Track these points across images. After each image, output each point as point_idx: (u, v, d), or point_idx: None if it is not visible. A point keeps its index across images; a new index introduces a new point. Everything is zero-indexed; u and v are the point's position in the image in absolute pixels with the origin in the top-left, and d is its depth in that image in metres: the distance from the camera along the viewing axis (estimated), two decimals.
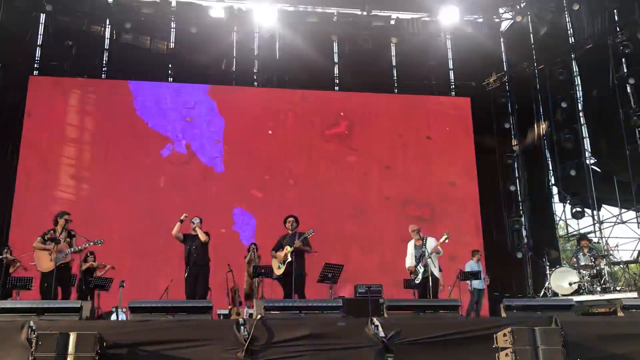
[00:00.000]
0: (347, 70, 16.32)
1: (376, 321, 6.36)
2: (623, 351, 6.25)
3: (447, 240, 8.92)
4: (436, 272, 8.84)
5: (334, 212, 14.67)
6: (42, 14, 14.98)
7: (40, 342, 5.41)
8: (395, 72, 16.68)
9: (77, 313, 6.26)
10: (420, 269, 8.88)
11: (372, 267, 13.95)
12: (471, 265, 11.62)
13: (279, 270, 8.82)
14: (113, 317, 9.80)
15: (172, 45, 15.73)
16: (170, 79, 15.64)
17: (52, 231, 8.40)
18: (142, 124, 14.69)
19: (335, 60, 16.48)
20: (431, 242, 9.00)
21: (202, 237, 9.02)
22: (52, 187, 13.94)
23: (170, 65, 15.67)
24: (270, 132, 15.14)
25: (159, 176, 14.44)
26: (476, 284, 11.24)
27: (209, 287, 9.00)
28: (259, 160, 14.90)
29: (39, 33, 15.07)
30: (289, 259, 8.64)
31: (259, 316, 6.34)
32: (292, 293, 8.35)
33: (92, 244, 8.71)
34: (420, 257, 8.95)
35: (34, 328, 5.69)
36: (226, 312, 10.48)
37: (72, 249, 8.45)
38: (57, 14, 14.76)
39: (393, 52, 16.67)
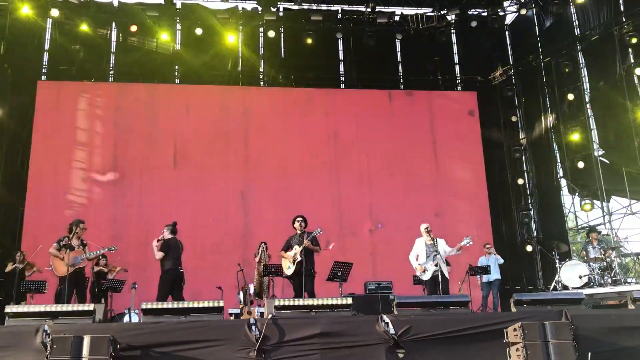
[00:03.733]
0: (352, 68, 16.33)
1: (386, 318, 6.42)
2: (634, 344, 6.27)
3: (468, 244, 8.99)
4: (446, 272, 8.93)
5: (344, 210, 14.72)
6: (48, 19, 15.09)
7: (55, 346, 5.50)
8: (400, 68, 16.69)
9: (90, 316, 6.35)
10: (431, 267, 8.94)
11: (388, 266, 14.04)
12: (481, 261, 11.71)
13: (288, 270, 8.88)
14: (126, 318, 9.89)
15: (177, 46, 15.79)
16: (177, 80, 15.72)
17: (66, 238, 8.63)
18: (152, 126, 14.80)
19: (341, 57, 16.50)
20: (441, 243, 9.09)
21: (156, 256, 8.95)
22: (63, 191, 14.06)
23: (176, 67, 15.75)
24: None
25: (170, 177, 14.51)
26: (484, 277, 11.35)
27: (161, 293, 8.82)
28: (268, 159, 14.96)
29: (46, 38, 15.19)
30: (299, 258, 8.69)
31: (269, 315, 6.40)
32: (302, 292, 8.41)
33: (106, 250, 8.98)
34: (432, 256, 8.99)
35: (48, 332, 5.78)
36: (237, 311, 10.55)
37: (86, 255, 8.70)
38: (63, 18, 14.86)
39: (398, 48, 16.67)
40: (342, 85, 16.35)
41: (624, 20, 13.95)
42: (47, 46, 15.20)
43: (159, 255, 8.93)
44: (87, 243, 8.93)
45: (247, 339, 6.04)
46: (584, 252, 11.30)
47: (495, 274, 11.65)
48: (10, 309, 6.45)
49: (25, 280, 10.07)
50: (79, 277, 8.68)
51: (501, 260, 12.03)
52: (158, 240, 9.02)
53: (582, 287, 10.56)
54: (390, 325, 6.31)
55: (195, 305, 6.60)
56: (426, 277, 9.07)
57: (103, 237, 13.04)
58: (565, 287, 10.94)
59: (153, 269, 12.73)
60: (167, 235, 9.12)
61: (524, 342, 5.90)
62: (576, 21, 15.34)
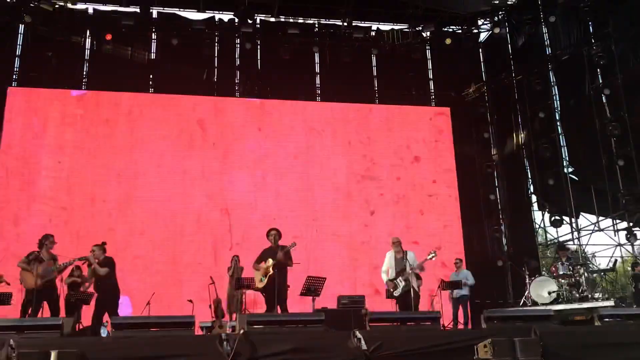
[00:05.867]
0: (328, 81, 16.41)
1: (358, 334, 6.40)
2: None
3: (433, 259, 9.06)
4: (416, 286, 8.95)
5: (313, 223, 14.71)
6: (20, 25, 14.86)
7: None
8: (376, 82, 16.83)
9: (58, 330, 6.21)
10: (401, 283, 8.96)
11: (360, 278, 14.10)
12: (452, 277, 11.77)
13: (260, 283, 8.84)
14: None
15: (153, 55, 15.70)
16: (151, 90, 15.60)
17: (35, 252, 8.50)
18: (125, 135, 14.62)
19: (317, 70, 16.58)
20: (411, 256, 9.10)
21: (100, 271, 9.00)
22: (31, 199, 13.78)
23: (151, 76, 15.64)
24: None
25: (139, 187, 14.33)
26: (454, 293, 11.40)
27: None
28: (243, 170, 14.90)
29: (18, 44, 14.96)
30: (271, 271, 8.66)
31: (241, 330, 6.35)
32: (274, 306, 8.37)
33: (77, 260, 8.82)
34: (401, 271, 9.02)
35: (14, 346, 5.62)
36: (209, 324, 10.43)
37: (55, 267, 8.56)
38: (36, 24, 14.65)
39: (374, 63, 16.83)
40: (318, 98, 16.41)
41: (593, 41, 14.33)
42: (18, 52, 14.97)
43: (104, 270, 8.91)
44: (57, 257, 8.79)
45: (218, 354, 5.96)
46: (553, 268, 11.47)
47: (463, 290, 11.70)
48: None
49: None
50: (50, 291, 8.53)
51: (471, 281, 12.02)
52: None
53: (551, 303, 10.71)
54: (363, 341, 6.29)
55: (166, 320, 6.52)
56: (397, 292, 9.10)
57: (72, 248, 12.83)
58: (534, 303, 11.08)
59: (124, 281, 12.59)
60: (100, 254, 9.09)
61: (494, 358, 5.96)
62: (547, 41, 15.72)
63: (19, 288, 8.98)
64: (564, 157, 15.11)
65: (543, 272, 12.40)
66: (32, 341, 5.80)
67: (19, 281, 8.61)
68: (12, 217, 13.49)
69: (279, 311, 8.39)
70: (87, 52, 15.45)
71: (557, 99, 15.54)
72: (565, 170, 14.96)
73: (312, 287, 8.78)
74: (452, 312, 11.60)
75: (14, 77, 14.87)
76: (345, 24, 15.77)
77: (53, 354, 5.42)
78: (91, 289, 10.50)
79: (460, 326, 11.34)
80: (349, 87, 16.20)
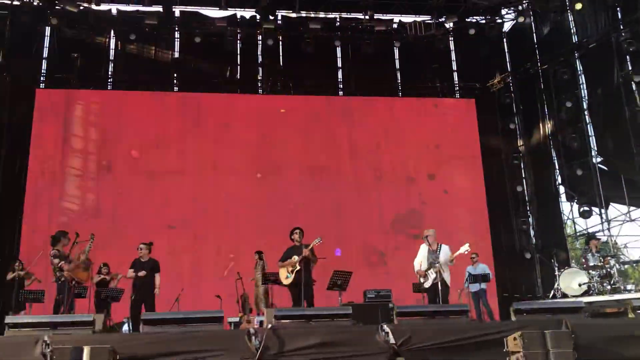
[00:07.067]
0: (351, 75, 16.36)
1: (386, 327, 6.38)
2: (634, 353, 6.24)
3: (467, 251, 9.00)
4: (447, 279, 8.89)
5: (343, 218, 14.70)
6: (47, 27, 15.12)
7: (54, 357, 5.47)
8: (399, 75, 16.73)
9: (90, 326, 6.32)
10: (432, 275, 8.91)
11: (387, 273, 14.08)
12: (469, 270, 11.59)
13: (287, 280, 8.87)
14: (124, 327, 9.86)
15: (176, 54, 15.84)
16: (176, 88, 15.73)
17: (57, 250, 8.60)
18: (149, 134, 14.77)
19: (339, 65, 16.54)
20: (445, 250, 9.04)
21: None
22: (58, 197, 14.04)
23: (175, 75, 15.78)
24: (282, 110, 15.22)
25: (168, 184, 14.47)
26: (474, 287, 11.26)
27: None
28: (268, 167, 14.96)
29: (45, 46, 15.22)
30: (298, 267, 8.69)
31: (269, 325, 6.39)
32: (301, 302, 8.40)
33: (90, 243, 8.84)
34: (433, 263, 8.96)
35: (48, 342, 5.74)
36: (237, 319, 10.53)
37: (85, 255, 8.70)
38: (62, 26, 14.88)
39: (396, 56, 16.71)
40: (341, 93, 16.37)
41: (622, 27, 13.99)
42: (45, 54, 15.23)
43: (131, 274, 9.40)
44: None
45: (247, 349, 6.00)
46: (583, 260, 11.27)
47: (482, 284, 11.50)
48: (9, 319, 6.42)
49: (23, 290, 10.03)
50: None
51: (488, 273, 11.85)
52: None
53: (581, 295, 10.55)
54: (390, 335, 6.27)
55: (195, 315, 6.58)
56: (427, 284, 9.06)
57: (95, 245, 13.01)
58: (564, 295, 10.93)
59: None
60: (146, 254, 9.53)
61: (524, 351, 5.89)
62: (574, 29, 15.40)
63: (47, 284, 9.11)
64: (592, 147, 14.82)
65: (572, 264, 12.18)
66: (65, 337, 5.92)
67: (61, 278, 8.58)
68: (43, 216, 13.73)
69: (306, 306, 8.42)
70: (112, 53, 15.65)
71: (584, 87, 15.22)
72: (594, 160, 14.67)
73: (339, 282, 8.79)
74: (474, 307, 11.41)
75: (42, 78, 15.13)
76: (367, 17, 15.66)
77: (86, 350, 5.52)
78: (120, 285, 10.70)
79: (486, 319, 11.22)
80: (371, 80, 16.14)
